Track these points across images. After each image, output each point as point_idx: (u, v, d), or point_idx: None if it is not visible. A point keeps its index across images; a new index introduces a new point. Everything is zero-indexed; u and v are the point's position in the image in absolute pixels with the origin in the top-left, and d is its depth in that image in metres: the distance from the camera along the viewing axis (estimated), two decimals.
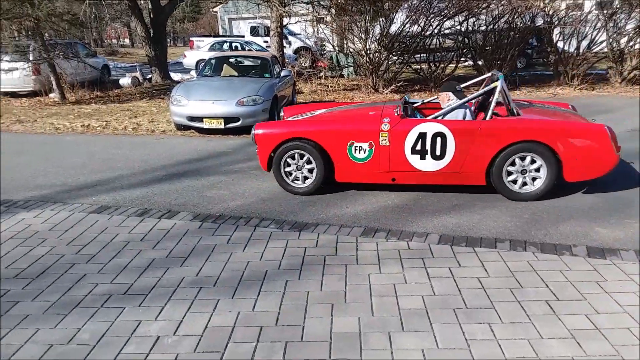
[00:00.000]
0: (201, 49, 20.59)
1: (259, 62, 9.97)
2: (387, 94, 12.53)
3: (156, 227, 4.27)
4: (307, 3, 13.82)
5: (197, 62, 19.29)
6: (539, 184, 4.66)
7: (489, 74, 5.47)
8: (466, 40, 12.80)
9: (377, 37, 12.54)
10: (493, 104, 4.76)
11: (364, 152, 4.85)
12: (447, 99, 5.07)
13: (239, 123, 7.88)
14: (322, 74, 14.90)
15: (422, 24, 12.53)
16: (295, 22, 14.40)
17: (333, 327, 2.79)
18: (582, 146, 4.53)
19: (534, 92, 11.53)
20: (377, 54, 12.62)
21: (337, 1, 13.62)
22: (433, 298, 3.06)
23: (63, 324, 2.90)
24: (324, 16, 15.86)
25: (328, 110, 5.74)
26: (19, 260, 3.71)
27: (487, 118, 4.75)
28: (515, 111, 4.98)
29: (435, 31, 12.71)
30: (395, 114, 4.89)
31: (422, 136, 4.71)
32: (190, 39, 24.09)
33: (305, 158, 4.99)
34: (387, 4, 12.68)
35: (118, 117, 9.87)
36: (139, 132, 8.61)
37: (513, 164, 4.65)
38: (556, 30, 12.27)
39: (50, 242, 4.00)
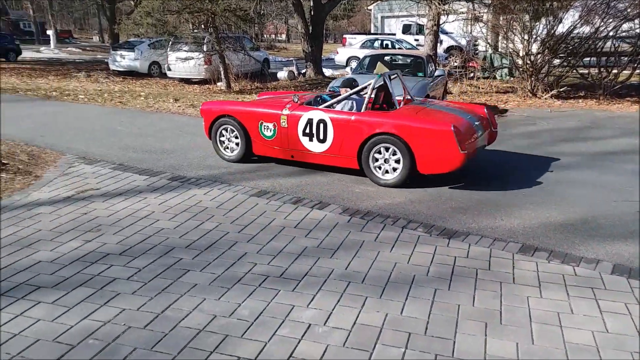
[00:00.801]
0: (353, 46, 21.09)
1: (414, 60, 9.85)
2: (545, 99, 11.54)
3: (308, 217, 4.45)
4: (467, 1, 13.28)
5: (348, 59, 19.79)
6: (396, 173, 5.25)
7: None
8: None
9: (542, 38, 11.58)
10: (366, 99, 5.51)
11: (270, 131, 5.80)
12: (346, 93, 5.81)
13: None
14: (472, 74, 14.24)
15: (595, 25, 11.28)
16: (453, 21, 13.90)
17: (487, 349, 2.64)
18: (431, 143, 5.02)
19: None
20: (539, 55, 11.67)
21: None
22: (606, 336, 2.72)
23: (226, 297, 3.15)
24: (482, 14, 15.11)
25: (274, 97, 6.85)
26: (190, 232, 4.14)
27: (362, 110, 5.47)
28: (395, 106, 5.69)
29: (611, 34, 11.35)
30: (295, 101, 5.73)
31: (310, 122, 5.54)
32: (343, 36, 24.76)
33: (229, 130, 6.12)
34: (555, 3, 11.63)
35: None
36: None
37: (379, 152, 5.28)
38: None
39: (217, 219, 4.40)
